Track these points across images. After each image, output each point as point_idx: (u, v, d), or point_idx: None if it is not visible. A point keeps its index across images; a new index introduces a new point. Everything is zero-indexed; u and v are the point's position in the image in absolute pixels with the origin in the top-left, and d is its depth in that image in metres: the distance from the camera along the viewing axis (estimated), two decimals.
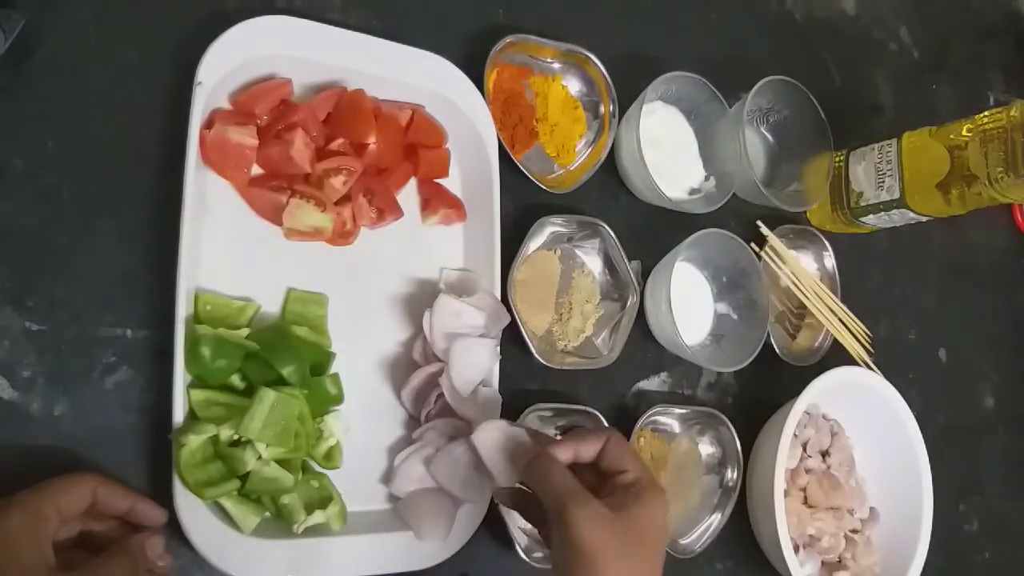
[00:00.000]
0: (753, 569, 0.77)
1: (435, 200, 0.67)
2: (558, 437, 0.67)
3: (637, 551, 0.49)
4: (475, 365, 0.62)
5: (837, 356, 0.85)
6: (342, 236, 0.63)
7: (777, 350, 0.81)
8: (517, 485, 0.58)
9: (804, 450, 0.80)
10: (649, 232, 0.78)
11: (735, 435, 0.75)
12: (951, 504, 0.91)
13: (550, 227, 0.71)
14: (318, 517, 0.56)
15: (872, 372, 0.82)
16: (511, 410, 0.65)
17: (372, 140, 0.63)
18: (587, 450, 0.54)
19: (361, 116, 0.62)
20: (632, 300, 0.73)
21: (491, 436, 0.57)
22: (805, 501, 0.79)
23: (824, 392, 0.75)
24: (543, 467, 0.52)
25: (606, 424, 0.69)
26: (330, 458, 0.59)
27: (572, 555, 0.48)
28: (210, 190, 0.58)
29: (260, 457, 0.54)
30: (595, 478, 0.54)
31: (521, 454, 0.55)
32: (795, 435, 0.78)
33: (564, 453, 0.54)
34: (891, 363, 0.87)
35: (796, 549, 0.76)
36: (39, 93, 0.55)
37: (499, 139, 0.68)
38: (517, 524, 0.64)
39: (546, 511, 0.51)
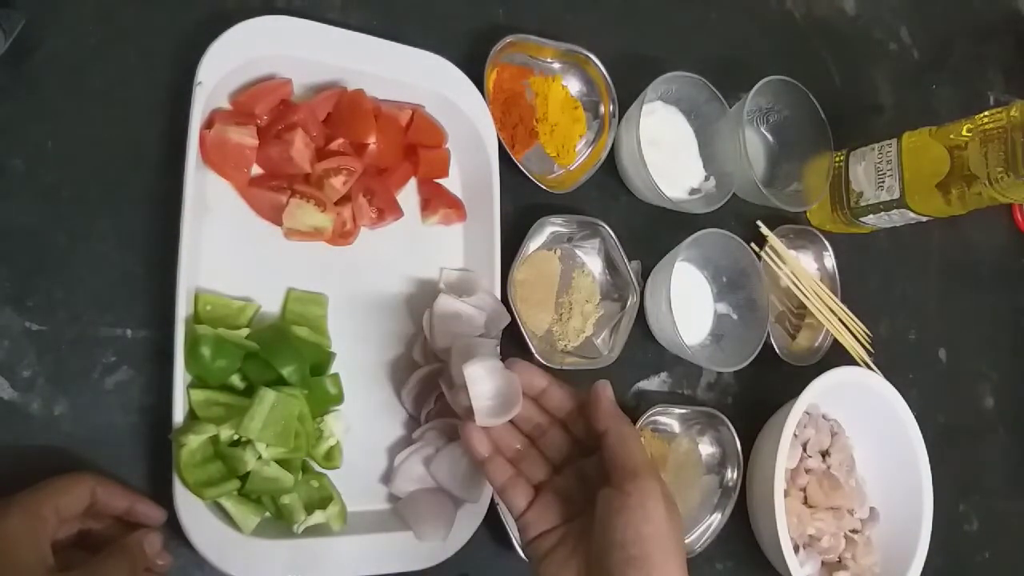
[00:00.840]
0: (753, 569, 0.77)
1: (435, 200, 0.67)
2: None
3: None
4: None
5: (837, 356, 0.85)
6: (342, 236, 0.63)
7: (777, 350, 0.81)
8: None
9: (804, 450, 0.80)
10: (649, 232, 0.78)
11: (735, 435, 0.75)
12: (951, 504, 0.91)
13: (550, 227, 0.71)
14: (318, 517, 0.56)
15: (872, 372, 0.82)
16: None
17: (372, 140, 0.63)
18: (562, 397, 0.53)
19: (361, 116, 0.62)
20: (632, 300, 0.73)
21: (480, 374, 0.52)
22: (805, 501, 0.79)
23: (824, 392, 0.75)
24: (626, 429, 0.49)
25: None
26: (330, 458, 0.59)
27: (651, 529, 0.45)
28: (210, 190, 0.58)
29: (260, 457, 0.54)
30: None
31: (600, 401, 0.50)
32: (795, 435, 0.78)
33: (533, 378, 0.52)
34: (891, 363, 0.87)
35: (796, 549, 0.76)
36: (39, 93, 0.55)
37: (499, 139, 0.68)
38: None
39: (608, 474, 0.47)
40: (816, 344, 0.86)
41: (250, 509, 0.54)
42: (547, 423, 0.54)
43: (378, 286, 0.64)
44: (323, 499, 0.57)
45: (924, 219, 0.81)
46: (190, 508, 0.52)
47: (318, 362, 0.59)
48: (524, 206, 0.71)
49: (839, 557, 0.79)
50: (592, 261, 0.75)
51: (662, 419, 0.75)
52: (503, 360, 0.53)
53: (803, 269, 0.85)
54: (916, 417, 0.81)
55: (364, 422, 0.62)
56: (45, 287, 0.54)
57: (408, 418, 0.64)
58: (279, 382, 0.55)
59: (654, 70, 0.75)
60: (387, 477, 0.62)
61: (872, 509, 0.82)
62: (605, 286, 0.75)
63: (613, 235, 0.73)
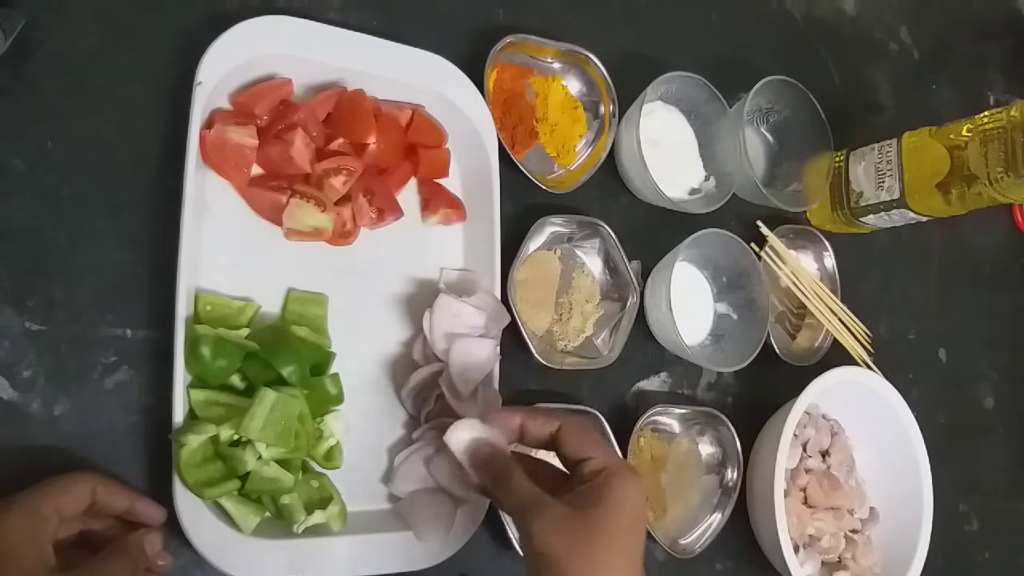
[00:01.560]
0: (753, 569, 0.77)
1: (435, 200, 0.67)
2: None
3: (605, 547, 0.47)
4: (475, 365, 0.62)
5: (837, 356, 0.85)
6: (342, 236, 0.63)
7: (777, 350, 0.81)
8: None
9: (804, 450, 0.80)
10: (649, 232, 0.78)
11: (735, 435, 0.75)
12: (951, 504, 0.91)
13: (550, 227, 0.71)
14: (318, 517, 0.56)
15: (872, 372, 0.82)
16: None
17: (372, 140, 0.63)
18: (537, 427, 0.53)
19: (361, 116, 0.62)
20: (632, 300, 0.73)
21: (463, 437, 0.54)
22: (805, 501, 0.79)
23: (824, 392, 0.75)
24: (498, 471, 0.51)
25: (607, 426, 0.69)
26: (330, 458, 0.59)
27: (536, 563, 0.47)
28: (210, 190, 0.58)
29: (260, 457, 0.54)
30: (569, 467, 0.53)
31: (481, 458, 0.53)
32: (795, 435, 0.78)
33: (510, 422, 0.52)
34: (891, 363, 0.87)
35: (796, 549, 0.76)
36: (39, 93, 0.55)
37: (499, 139, 0.68)
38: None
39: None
40: (816, 344, 0.86)
41: (250, 509, 0.54)
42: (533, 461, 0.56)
43: (378, 286, 0.64)
44: (323, 499, 0.57)
45: (924, 219, 0.81)
46: (190, 508, 0.52)
47: (318, 362, 0.59)
48: (524, 206, 0.71)
49: (839, 557, 0.79)
50: (592, 261, 0.75)
51: (662, 419, 0.75)
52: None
53: (803, 269, 0.85)
54: (916, 417, 0.81)
55: (364, 422, 0.62)
56: (45, 287, 0.54)
57: (408, 418, 0.64)
58: (279, 382, 0.55)
59: (654, 70, 0.75)
60: (387, 477, 0.62)
61: (872, 509, 0.82)
62: (605, 286, 0.75)
63: (613, 235, 0.73)
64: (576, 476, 0.51)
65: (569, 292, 0.73)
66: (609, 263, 0.75)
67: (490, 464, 0.52)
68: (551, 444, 0.53)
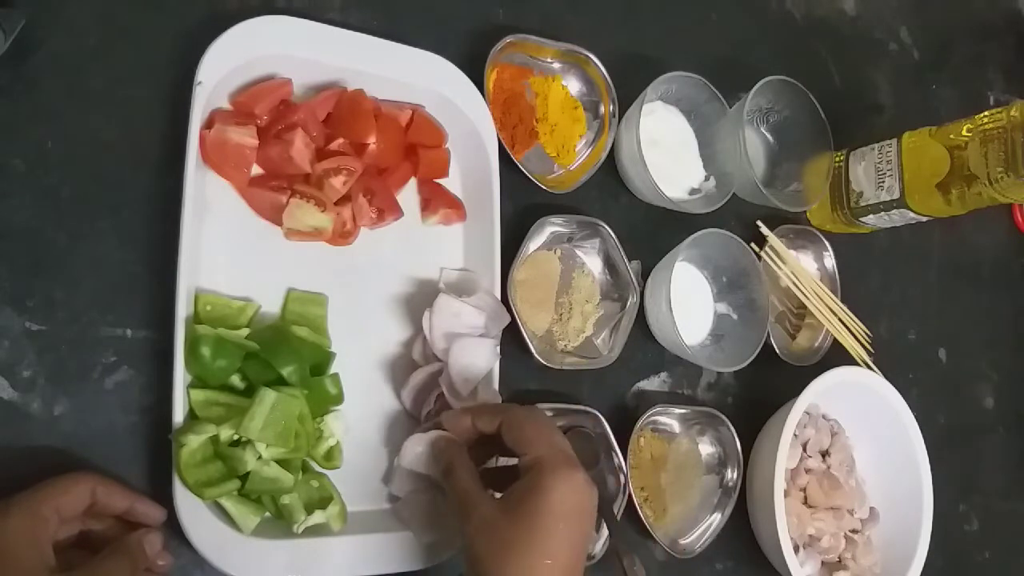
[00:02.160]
0: (753, 569, 0.77)
1: (435, 200, 0.67)
2: None
3: (524, 551, 0.46)
4: (475, 365, 0.62)
5: (837, 356, 0.85)
6: (342, 236, 0.63)
7: (777, 350, 0.81)
8: None
9: (804, 450, 0.80)
10: (649, 232, 0.78)
11: (735, 435, 0.75)
12: (951, 504, 0.91)
13: (550, 227, 0.71)
14: (318, 517, 0.56)
15: (872, 372, 0.82)
16: None
17: (372, 140, 0.63)
18: (485, 423, 0.52)
19: (361, 116, 0.62)
20: (632, 300, 0.73)
21: (415, 451, 0.56)
22: (805, 501, 0.79)
23: (824, 392, 0.75)
24: (446, 465, 0.51)
25: (607, 426, 0.69)
26: (330, 458, 0.59)
27: (467, 566, 0.47)
28: (210, 190, 0.58)
29: (260, 457, 0.54)
30: None
31: (436, 451, 0.53)
32: (795, 435, 0.78)
33: (460, 423, 0.52)
34: (891, 363, 0.87)
35: (796, 549, 0.76)
36: (39, 93, 0.55)
37: (499, 139, 0.68)
38: None
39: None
40: (816, 344, 0.86)
41: (250, 509, 0.54)
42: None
43: (378, 286, 0.64)
44: (323, 499, 0.57)
45: (924, 219, 0.81)
46: (190, 508, 0.52)
47: (318, 362, 0.59)
48: (524, 206, 0.71)
49: (839, 557, 0.79)
50: (592, 261, 0.75)
51: (662, 419, 0.75)
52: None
53: (803, 269, 0.85)
54: (916, 417, 0.81)
55: (364, 422, 0.62)
56: (45, 287, 0.54)
57: (408, 418, 0.64)
58: (279, 382, 0.55)
59: (654, 70, 0.75)
60: (387, 477, 0.62)
61: (872, 509, 0.82)
62: (605, 286, 0.75)
63: (613, 235, 0.73)
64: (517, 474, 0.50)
65: (569, 292, 0.73)
66: (609, 263, 0.75)
67: (442, 456, 0.52)
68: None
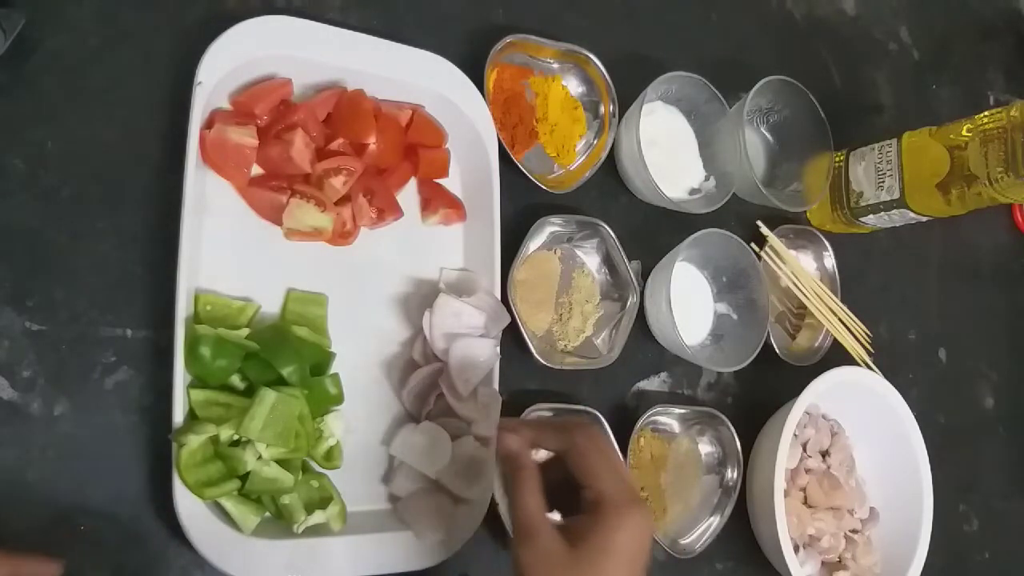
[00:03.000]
0: (753, 569, 0.77)
1: (435, 200, 0.67)
2: None
3: None
4: (475, 365, 0.62)
5: (837, 356, 0.85)
6: (342, 236, 0.63)
7: (777, 350, 0.81)
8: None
9: (804, 450, 0.80)
10: (649, 232, 0.78)
11: (735, 435, 0.75)
12: (951, 504, 0.91)
13: (550, 227, 0.71)
14: (318, 517, 0.56)
15: (872, 372, 0.82)
16: (511, 410, 0.65)
17: (372, 140, 0.63)
18: (548, 443, 0.51)
19: (361, 116, 0.62)
20: (632, 300, 0.73)
21: (410, 440, 0.57)
22: (805, 501, 0.79)
23: (824, 392, 0.75)
24: (517, 481, 0.48)
25: (607, 426, 0.69)
26: (330, 458, 0.59)
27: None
28: (210, 190, 0.58)
29: (260, 457, 0.54)
30: None
31: (503, 449, 0.50)
32: (795, 435, 0.78)
33: (522, 437, 0.50)
34: (891, 363, 0.87)
35: (796, 549, 0.76)
36: (39, 93, 0.55)
37: (499, 139, 0.68)
38: None
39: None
40: (816, 344, 0.86)
41: (250, 509, 0.54)
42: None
43: (378, 286, 0.64)
44: (323, 499, 0.57)
45: (924, 219, 0.81)
46: (190, 508, 0.52)
47: (318, 362, 0.59)
48: (524, 206, 0.71)
49: (839, 557, 0.79)
50: (592, 261, 0.75)
51: (662, 419, 0.75)
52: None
53: (803, 269, 0.85)
54: (916, 417, 0.81)
55: (364, 422, 0.62)
56: (45, 287, 0.54)
57: (408, 418, 0.64)
58: (279, 382, 0.55)
59: (654, 70, 0.75)
60: (387, 477, 0.62)
61: (872, 509, 0.82)
62: (605, 286, 0.75)
63: (613, 235, 0.73)
64: (580, 501, 0.48)
65: (569, 292, 0.73)
66: (609, 263, 0.75)
67: (511, 471, 0.49)
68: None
